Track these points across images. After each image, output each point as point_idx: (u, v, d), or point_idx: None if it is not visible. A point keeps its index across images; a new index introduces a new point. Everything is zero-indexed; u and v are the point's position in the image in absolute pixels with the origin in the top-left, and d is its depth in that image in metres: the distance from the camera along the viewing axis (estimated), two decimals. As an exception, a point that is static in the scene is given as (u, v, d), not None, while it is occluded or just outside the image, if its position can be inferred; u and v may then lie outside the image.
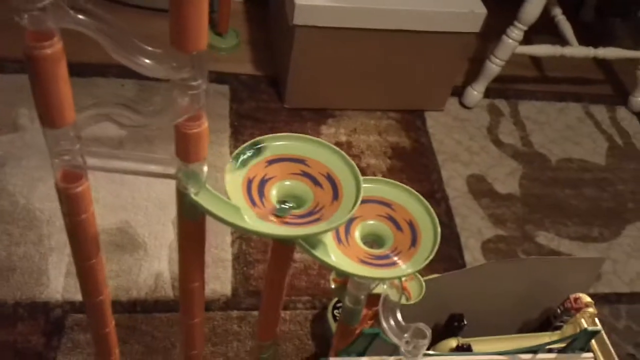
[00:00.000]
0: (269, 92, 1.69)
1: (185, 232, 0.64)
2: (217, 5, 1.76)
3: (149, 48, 0.48)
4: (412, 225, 0.76)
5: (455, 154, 1.67)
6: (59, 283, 1.18)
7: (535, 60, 2.04)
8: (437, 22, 1.53)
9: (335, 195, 0.68)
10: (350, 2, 1.46)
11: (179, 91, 0.51)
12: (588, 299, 1.06)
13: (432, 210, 0.77)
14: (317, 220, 0.65)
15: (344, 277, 0.90)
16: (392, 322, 0.79)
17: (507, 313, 1.11)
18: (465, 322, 1.07)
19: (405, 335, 0.78)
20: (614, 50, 1.79)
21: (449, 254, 1.44)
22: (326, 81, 1.62)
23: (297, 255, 1.34)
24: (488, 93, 1.82)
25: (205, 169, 0.59)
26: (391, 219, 0.77)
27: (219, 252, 1.30)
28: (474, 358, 0.87)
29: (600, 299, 1.44)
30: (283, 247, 0.73)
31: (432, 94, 1.74)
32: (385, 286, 0.81)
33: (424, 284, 0.94)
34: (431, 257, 0.72)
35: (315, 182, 0.69)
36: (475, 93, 1.78)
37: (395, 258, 0.73)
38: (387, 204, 0.78)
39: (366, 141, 1.63)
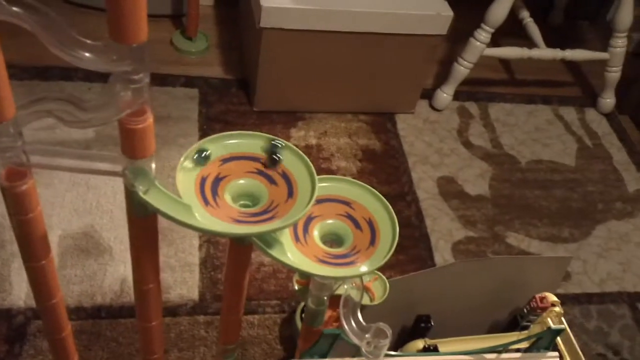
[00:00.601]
0: (239, 95, 1.68)
1: (137, 231, 0.63)
2: (185, 9, 1.76)
3: (88, 41, 0.47)
4: (371, 223, 0.76)
5: (425, 156, 1.67)
6: (22, 289, 1.16)
7: (505, 63, 2.05)
8: (403, 25, 1.53)
9: (290, 193, 0.67)
10: (317, 4, 1.46)
11: (121, 85, 0.50)
12: (554, 298, 1.06)
13: (391, 208, 0.76)
14: (272, 218, 0.64)
15: (307, 279, 0.89)
16: (352, 323, 0.79)
17: (475, 313, 1.11)
18: (432, 323, 1.06)
19: (367, 335, 0.77)
20: (581, 52, 1.81)
21: (419, 256, 1.44)
22: (295, 84, 1.62)
23: (265, 260, 1.33)
24: (458, 95, 1.83)
25: (153, 165, 0.57)
26: (350, 217, 0.77)
27: (186, 256, 1.28)
28: (435, 358, 0.87)
29: (570, 300, 1.44)
30: (240, 247, 0.72)
31: (402, 97, 1.74)
32: (346, 286, 0.80)
33: (387, 284, 0.93)
34: (389, 255, 0.71)
35: (271, 181, 0.68)
36: (444, 95, 1.78)
37: (354, 257, 0.72)
38: (346, 203, 0.77)
39: (336, 144, 1.63)
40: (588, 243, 1.58)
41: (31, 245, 0.62)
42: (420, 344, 1.04)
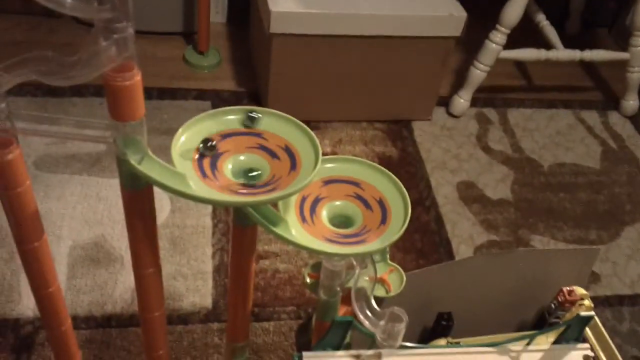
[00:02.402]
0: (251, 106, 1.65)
1: (131, 206, 0.60)
2: (197, 26, 1.75)
3: (67, -15, 0.45)
4: (381, 203, 0.72)
5: (443, 162, 1.63)
6: (30, 299, 1.13)
7: (522, 70, 2.01)
8: (415, 27, 1.50)
9: (293, 166, 0.64)
10: (326, 8, 1.44)
11: (103, 36, 0.47)
12: (583, 291, 1.01)
13: (401, 185, 0.72)
14: (272, 190, 0.61)
15: (318, 272, 0.85)
16: (366, 310, 0.74)
17: (499, 311, 1.06)
18: (454, 321, 1.01)
19: (381, 322, 0.73)
20: (600, 52, 1.77)
21: (440, 261, 1.38)
22: (308, 92, 1.59)
23: (281, 266, 1.29)
24: (475, 102, 1.79)
25: (145, 130, 0.55)
26: (360, 198, 0.73)
27: (199, 264, 1.25)
28: (454, 350, 0.81)
29: (601, 302, 1.38)
30: (243, 229, 0.69)
31: (418, 103, 1.71)
32: (357, 272, 0.76)
33: (404, 275, 0.89)
34: (402, 231, 0.67)
35: (273, 155, 0.65)
36: (462, 101, 1.75)
37: (364, 236, 0.69)
38: (355, 183, 0.74)
39: (352, 151, 1.60)
40: (617, 245, 1.51)
41: (22, 224, 0.59)
42: (442, 342, 0.99)
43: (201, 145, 0.62)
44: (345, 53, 1.53)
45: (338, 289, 0.81)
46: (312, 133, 0.66)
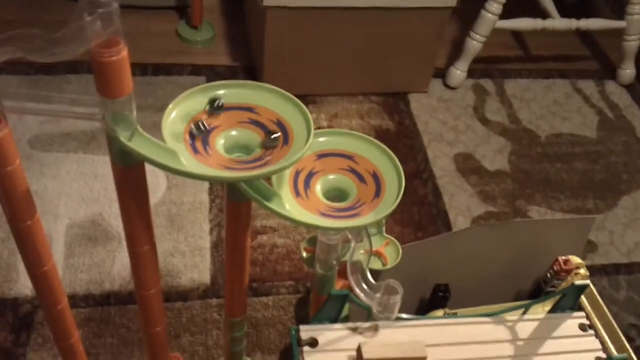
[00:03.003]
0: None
1: (123, 183, 0.60)
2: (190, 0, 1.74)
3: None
4: (375, 176, 0.72)
5: (440, 134, 1.63)
6: (28, 278, 1.13)
7: (519, 40, 1.99)
8: (411, -3, 1.49)
9: (285, 140, 0.64)
10: (321, -20, 1.43)
11: (88, 11, 0.46)
12: (579, 260, 1.01)
13: (395, 158, 0.72)
14: (264, 165, 0.60)
15: (314, 246, 0.85)
16: (362, 283, 0.75)
17: (496, 281, 1.06)
18: (451, 293, 1.01)
19: (377, 295, 0.73)
20: (597, 20, 1.75)
21: (438, 233, 1.39)
22: (303, 66, 1.58)
23: (279, 241, 1.29)
24: (472, 73, 1.78)
25: (134, 106, 0.54)
26: (353, 171, 0.73)
27: (197, 240, 1.25)
28: (450, 321, 0.82)
29: (598, 271, 1.39)
30: (237, 205, 0.69)
31: (414, 75, 1.70)
32: (352, 245, 0.76)
33: (400, 247, 0.89)
34: (395, 204, 0.67)
35: (265, 129, 0.65)
36: (458, 72, 1.74)
37: (358, 209, 0.68)
38: (349, 157, 0.74)
39: (348, 125, 1.59)
40: (614, 214, 1.51)
41: (14, 203, 0.59)
42: (439, 314, 0.99)
43: (192, 126, 0.61)
44: (340, 25, 1.51)
45: (334, 262, 0.81)
46: (304, 106, 0.66)
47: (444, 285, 1.02)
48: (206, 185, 1.35)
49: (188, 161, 0.57)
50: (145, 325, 0.77)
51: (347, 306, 0.89)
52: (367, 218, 0.67)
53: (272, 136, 0.62)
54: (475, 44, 1.68)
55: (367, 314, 0.78)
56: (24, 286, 1.12)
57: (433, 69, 1.71)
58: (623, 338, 0.90)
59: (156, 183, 1.33)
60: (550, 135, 1.69)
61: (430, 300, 1.03)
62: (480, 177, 1.53)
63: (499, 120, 1.70)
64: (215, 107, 0.62)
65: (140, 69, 1.62)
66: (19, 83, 1.49)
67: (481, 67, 1.83)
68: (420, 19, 1.55)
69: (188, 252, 1.23)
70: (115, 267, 1.18)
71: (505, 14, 1.64)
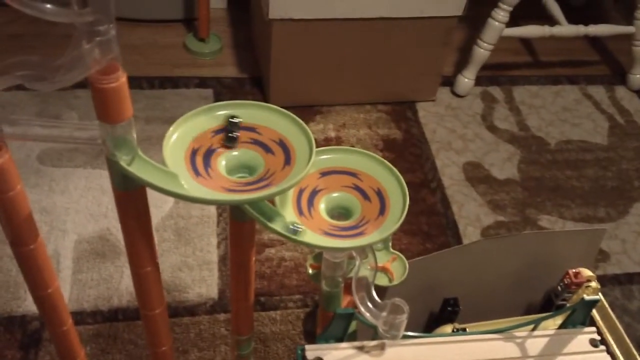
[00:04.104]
0: (253, 93, 1.65)
1: (125, 207, 0.59)
2: (197, 11, 1.74)
3: (45, -10, 0.44)
4: (380, 193, 0.71)
5: (448, 142, 1.62)
6: (37, 296, 1.13)
7: (527, 46, 1.98)
8: (416, 7, 1.48)
9: (287, 160, 0.63)
10: (326, -9, 1.42)
11: (86, 39, 0.46)
12: (589, 273, 1.00)
13: (399, 175, 0.71)
14: (267, 186, 0.60)
15: (320, 262, 0.85)
16: (367, 302, 0.74)
17: (506, 295, 1.05)
18: (460, 307, 1.00)
19: (383, 314, 0.72)
20: (605, 27, 1.74)
21: (447, 244, 1.38)
22: (310, 77, 1.58)
23: (287, 254, 1.29)
24: (480, 81, 1.77)
25: (134, 131, 0.54)
26: (358, 189, 0.72)
27: (204, 254, 1.25)
28: (458, 337, 0.81)
29: (610, 280, 1.37)
30: (240, 224, 0.68)
31: (422, 84, 1.69)
32: (357, 263, 0.75)
33: (407, 263, 0.88)
34: (399, 222, 0.66)
35: (267, 149, 0.64)
36: (466, 80, 1.73)
37: (362, 228, 0.68)
38: (353, 174, 0.73)
39: (356, 135, 1.58)
40: (626, 222, 1.50)
41: (16, 227, 0.58)
42: (448, 329, 0.98)
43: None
44: (346, 36, 1.51)
45: (340, 279, 0.81)
46: (306, 126, 0.65)
47: (453, 299, 1.01)
48: (214, 198, 1.35)
49: (189, 184, 0.57)
50: (151, 344, 0.77)
51: (354, 322, 0.89)
52: (371, 237, 0.66)
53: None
54: (482, 52, 1.67)
55: (373, 331, 0.77)
56: (32, 303, 1.12)
57: (440, 77, 1.71)
58: (635, 353, 0.88)
59: (163, 197, 1.32)
60: (560, 142, 1.68)
61: (440, 314, 1.02)
62: (490, 186, 1.52)
63: (507, 127, 1.69)
64: (233, 124, 0.62)
65: (147, 82, 1.63)
66: (28, 99, 1.50)
67: (489, 74, 1.82)
68: (427, 28, 1.54)
69: (196, 266, 1.23)
70: (124, 282, 1.18)
71: (512, 21, 1.64)
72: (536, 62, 1.94)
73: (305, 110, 1.62)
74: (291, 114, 0.67)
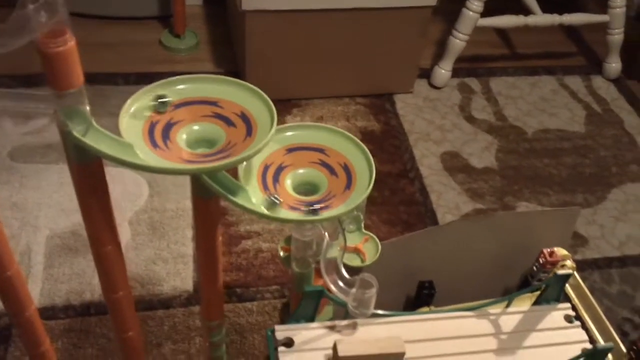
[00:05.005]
0: (229, 88, 1.63)
1: (81, 181, 0.58)
2: (172, 8, 1.72)
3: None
4: (347, 168, 0.70)
5: (427, 133, 1.61)
6: (8, 291, 1.11)
7: (504, 38, 1.98)
8: (390, -3, 1.48)
9: (249, 132, 0.62)
10: (298, -19, 1.42)
11: (31, 0, 0.45)
12: (564, 252, 0.99)
13: (366, 149, 0.71)
14: (226, 157, 0.59)
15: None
16: (336, 279, 0.73)
17: (483, 277, 1.04)
18: (435, 290, 0.99)
19: (352, 290, 0.71)
20: (579, 15, 1.74)
21: (425, 233, 1.37)
22: (287, 70, 1.57)
23: (264, 245, 1.27)
24: (458, 72, 1.77)
25: (86, 100, 0.52)
26: (325, 164, 0.71)
27: (179, 247, 1.23)
28: (434, 316, 0.80)
29: (589, 265, 1.37)
30: (205, 202, 0.67)
31: (399, 76, 1.69)
32: (325, 242, 0.74)
33: (379, 243, 0.87)
34: (365, 195, 0.66)
35: (229, 122, 0.63)
36: (443, 72, 1.72)
37: (329, 202, 0.67)
38: (320, 150, 0.72)
39: (333, 128, 1.57)
40: (604, 207, 1.50)
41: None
42: (424, 311, 0.97)
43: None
44: (322, 28, 1.50)
45: (310, 260, 0.80)
46: (268, 98, 0.64)
47: (428, 282, 1.00)
48: (189, 192, 1.33)
49: (146, 155, 0.56)
50: (117, 330, 0.75)
51: (330, 309, 0.87)
52: (337, 210, 0.65)
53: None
54: (458, 42, 1.67)
55: (345, 311, 0.76)
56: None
57: (418, 69, 1.70)
58: (611, 328, 0.88)
59: (138, 191, 1.31)
60: (537, 132, 1.68)
61: (416, 297, 1.01)
62: (468, 175, 1.52)
63: (485, 118, 1.69)
64: (161, 104, 0.60)
65: (122, 78, 1.61)
66: (-2, 95, 1.48)
67: (466, 66, 1.82)
68: (402, 19, 1.54)
69: (171, 259, 1.21)
70: (96, 277, 1.15)
71: (487, 12, 1.64)
72: (513, 55, 1.94)
73: (283, 104, 1.61)
74: (254, 87, 0.66)
